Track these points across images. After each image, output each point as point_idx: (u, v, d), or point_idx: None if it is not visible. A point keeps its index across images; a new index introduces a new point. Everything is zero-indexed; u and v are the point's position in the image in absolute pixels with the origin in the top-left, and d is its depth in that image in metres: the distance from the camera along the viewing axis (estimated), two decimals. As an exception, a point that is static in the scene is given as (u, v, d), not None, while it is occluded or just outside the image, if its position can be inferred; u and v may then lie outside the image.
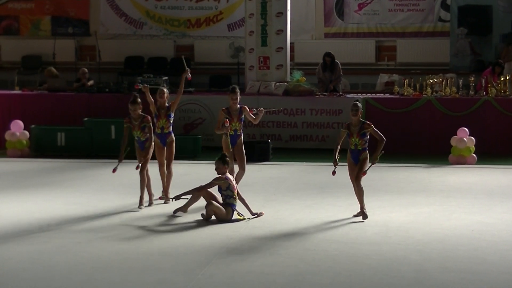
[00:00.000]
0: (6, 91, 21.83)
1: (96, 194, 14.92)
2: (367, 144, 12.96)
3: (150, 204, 13.84)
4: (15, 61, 24.91)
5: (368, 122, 13.17)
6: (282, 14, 21.06)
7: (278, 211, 13.44)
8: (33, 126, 19.54)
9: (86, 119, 19.76)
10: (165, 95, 14.21)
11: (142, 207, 13.55)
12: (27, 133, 19.43)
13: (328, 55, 21.09)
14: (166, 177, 14.14)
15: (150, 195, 13.93)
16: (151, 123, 13.76)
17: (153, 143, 13.84)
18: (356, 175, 12.79)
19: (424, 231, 12.12)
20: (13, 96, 21.16)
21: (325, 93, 20.53)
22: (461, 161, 18.15)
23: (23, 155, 18.91)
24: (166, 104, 14.17)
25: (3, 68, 24.82)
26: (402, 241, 11.53)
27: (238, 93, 14.09)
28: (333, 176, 12.89)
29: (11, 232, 11.94)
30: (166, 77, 21.17)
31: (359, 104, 13.12)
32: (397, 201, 14.21)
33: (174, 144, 14.23)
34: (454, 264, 10.46)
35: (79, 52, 24.94)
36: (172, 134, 14.22)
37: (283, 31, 21.13)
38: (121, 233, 12.01)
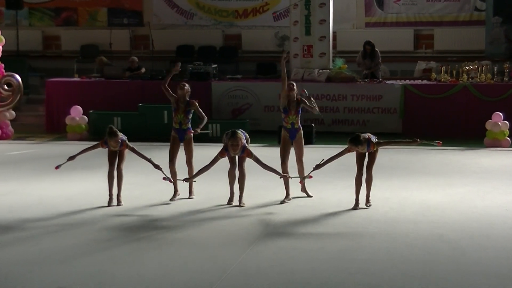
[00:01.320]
0: (66, 78, 22.01)
1: (150, 175, 14.99)
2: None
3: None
4: (74, 50, 25.08)
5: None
6: (324, 4, 21.00)
7: (320, 191, 13.45)
8: (91, 111, 19.70)
9: (140, 104, 19.88)
10: (186, 88, 13.15)
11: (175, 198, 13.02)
12: (85, 117, 19.61)
13: (368, 43, 21.01)
14: (188, 172, 12.93)
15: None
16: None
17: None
18: (369, 164, 12.59)
19: (460, 210, 12.08)
20: (73, 83, 21.35)
21: (366, 80, 20.46)
22: (495, 144, 18.05)
23: (82, 138, 19.06)
24: (187, 99, 13.14)
25: (63, 57, 25.00)
26: (439, 220, 11.50)
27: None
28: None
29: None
30: (215, 65, 21.23)
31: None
32: (433, 182, 14.16)
33: (192, 142, 13.19)
34: (488, 242, 10.42)
35: (133, 42, 25.06)
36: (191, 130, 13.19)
37: (325, 20, 21.08)
38: (170, 213, 12.15)
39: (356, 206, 12.36)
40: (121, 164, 12.65)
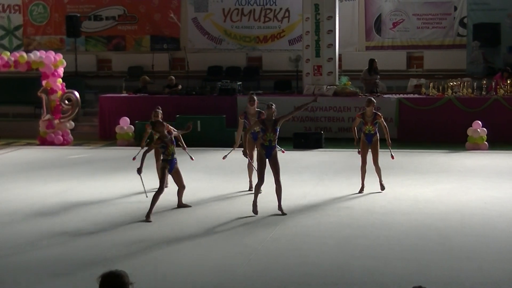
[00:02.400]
0: (116, 94, 22.10)
1: (187, 175, 15.01)
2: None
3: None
4: (122, 71, 25.14)
5: (379, 113, 13.19)
6: (332, 31, 21.00)
7: (329, 188, 13.46)
8: (137, 121, 19.75)
9: (177, 116, 19.92)
10: (273, 108, 11.45)
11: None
12: (132, 127, 19.67)
13: (373, 60, 21.25)
14: (276, 191, 11.42)
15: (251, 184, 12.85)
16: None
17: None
18: (375, 158, 12.93)
19: (446, 203, 12.07)
20: (122, 98, 21.42)
21: (367, 94, 20.45)
22: (475, 147, 17.97)
23: (129, 144, 19.11)
24: (273, 118, 11.39)
25: (113, 77, 25.06)
26: (429, 212, 11.50)
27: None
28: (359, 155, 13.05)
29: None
30: (240, 82, 21.26)
31: (373, 99, 13.30)
32: (424, 180, 14.14)
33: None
34: (470, 229, 10.42)
35: (172, 63, 25.11)
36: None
37: (332, 45, 21.08)
38: (205, 205, 12.21)
39: (361, 190, 12.91)
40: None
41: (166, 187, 11.89)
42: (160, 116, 12.99)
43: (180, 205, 11.97)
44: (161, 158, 11.71)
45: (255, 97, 12.94)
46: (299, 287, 8.07)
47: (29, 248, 9.72)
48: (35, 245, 9.82)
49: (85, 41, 25.71)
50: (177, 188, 11.96)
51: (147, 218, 11.10)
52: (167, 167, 11.50)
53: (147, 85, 21.93)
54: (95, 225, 10.86)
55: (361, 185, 13.01)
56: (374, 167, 12.94)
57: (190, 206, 11.99)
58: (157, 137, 11.74)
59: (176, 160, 11.63)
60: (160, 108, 13.49)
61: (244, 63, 25.05)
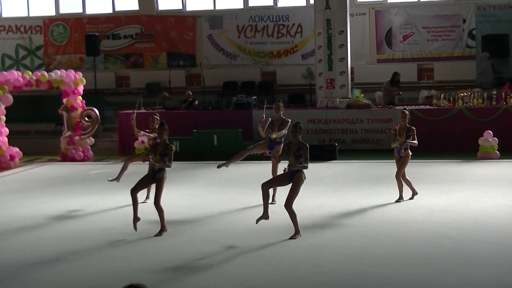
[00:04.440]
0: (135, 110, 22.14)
1: (204, 187, 15.12)
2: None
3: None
4: (140, 87, 25.28)
5: (412, 127, 13.17)
6: (343, 45, 21.05)
7: (344, 198, 13.46)
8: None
9: (194, 130, 20.00)
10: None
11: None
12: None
13: (396, 73, 21.40)
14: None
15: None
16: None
17: None
18: (398, 171, 12.98)
19: (459, 212, 12.03)
20: (140, 114, 21.38)
21: (386, 105, 20.46)
22: (486, 157, 17.92)
23: (147, 159, 19.13)
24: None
25: (132, 93, 25.18)
26: (442, 221, 11.46)
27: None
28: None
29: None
30: (255, 97, 21.32)
31: (407, 112, 13.16)
32: (437, 189, 14.11)
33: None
34: (483, 237, 10.38)
35: (188, 79, 25.21)
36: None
37: (344, 58, 21.11)
38: (221, 216, 12.23)
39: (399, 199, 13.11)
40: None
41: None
42: (156, 122, 12.93)
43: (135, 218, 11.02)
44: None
45: (281, 104, 13.02)
46: (316, 296, 8.07)
47: (55, 260, 9.77)
48: (61, 259, 9.86)
49: (104, 59, 25.89)
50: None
51: (135, 225, 10.91)
52: (151, 174, 11.08)
53: (165, 100, 22.02)
54: (121, 235, 10.90)
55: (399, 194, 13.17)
56: (396, 179, 13.02)
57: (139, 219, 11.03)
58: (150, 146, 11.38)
59: (160, 170, 10.98)
60: (158, 115, 13.56)
61: (259, 78, 25.13)
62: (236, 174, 16.35)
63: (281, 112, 12.85)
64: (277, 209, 11.77)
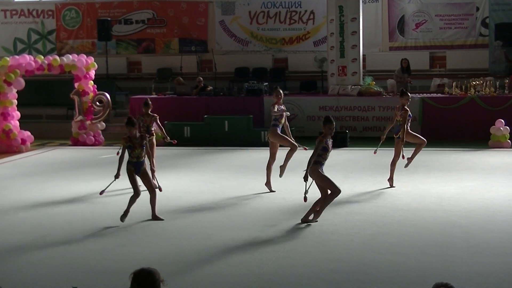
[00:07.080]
0: (146, 95, 22.15)
1: (214, 173, 15.11)
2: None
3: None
4: (152, 73, 25.28)
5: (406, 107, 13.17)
6: (356, 32, 20.95)
7: (355, 186, 13.44)
8: (166, 122, 19.81)
9: (206, 116, 20.00)
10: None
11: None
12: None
13: (405, 60, 21.31)
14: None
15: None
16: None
17: None
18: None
19: (470, 200, 12.00)
20: (151, 99, 21.39)
21: (390, 94, 20.38)
22: (498, 145, 17.86)
23: (158, 144, 19.04)
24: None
25: (143, 78, 25.21)
26: (453, 209, 11.44)
27: None
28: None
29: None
30: (266, 83, 21.26)
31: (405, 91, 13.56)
32: (448, 177, 14.07)
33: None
34: (494, 226, 10.36)
35: (200, 65, 25.19)
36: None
37: (356, 46, 21.02)
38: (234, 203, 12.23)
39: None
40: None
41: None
42: (150, 109, 13.45)
43: (154, 217, 11.03)
44: (127, 160, 10.96)
45: (281, 91, 13.08)
46: (326, 283, 8.06)
47: (66, 243, 9.80)
48: (72, 243, 9.89)
49: (116, 45, 25.86)
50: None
51: (122, 219, 10.79)
52: (133, 169, 10.89)
53: (177, 86, 22.00)
54: (132, 219, 10.91)
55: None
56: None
57: (163, 219, 10.96)
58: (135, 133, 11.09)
59: (143, 162, 11.01)
60: (149, 100, 13.98)
61: (270, 65, 25.08)
62: (246, 160, 16.34)
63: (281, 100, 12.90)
64: (287, 195, 11.74)
